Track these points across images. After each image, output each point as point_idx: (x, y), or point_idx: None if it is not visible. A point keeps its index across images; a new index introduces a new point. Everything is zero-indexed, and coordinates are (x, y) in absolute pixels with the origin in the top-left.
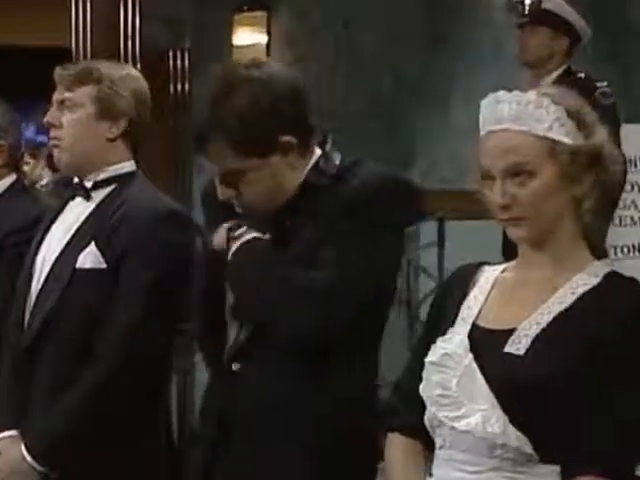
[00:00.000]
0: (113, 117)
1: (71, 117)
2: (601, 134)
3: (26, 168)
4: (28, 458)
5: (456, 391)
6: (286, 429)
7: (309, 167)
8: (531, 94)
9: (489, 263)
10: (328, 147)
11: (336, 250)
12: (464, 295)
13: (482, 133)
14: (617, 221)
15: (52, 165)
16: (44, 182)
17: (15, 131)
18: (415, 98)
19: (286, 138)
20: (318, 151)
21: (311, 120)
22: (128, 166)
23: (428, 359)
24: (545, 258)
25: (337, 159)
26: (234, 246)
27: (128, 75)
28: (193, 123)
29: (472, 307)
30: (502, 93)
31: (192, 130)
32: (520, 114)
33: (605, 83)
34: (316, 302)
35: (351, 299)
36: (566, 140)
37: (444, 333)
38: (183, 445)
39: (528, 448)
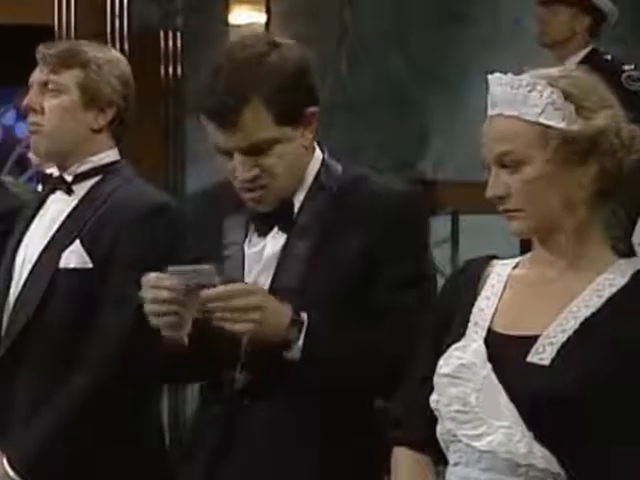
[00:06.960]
0: (100, 106)
1: (54, 102)
2: (603, 119)
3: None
4: (10, 473)
5: (476, 406)
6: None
7: (317, 165)
8: (526, 76)
9: (498, 257)
10: (327, 155)
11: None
12: (474, 295)
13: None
14: None
15: None
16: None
17: None
18: (427, 81)
19: (312, 109)
20: (318, 151)
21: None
22: (111, 155)
23: (441, 370)
24: (558, 255)
25: (339, 168)
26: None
27: (114, 59)
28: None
29: (484, 309)
30: (497, 75)
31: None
32: (512, 98)
33: (633, 66)
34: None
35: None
36: (560, 125)
37: (454, 338)
38: (175, 455)
39: (555, 467)
